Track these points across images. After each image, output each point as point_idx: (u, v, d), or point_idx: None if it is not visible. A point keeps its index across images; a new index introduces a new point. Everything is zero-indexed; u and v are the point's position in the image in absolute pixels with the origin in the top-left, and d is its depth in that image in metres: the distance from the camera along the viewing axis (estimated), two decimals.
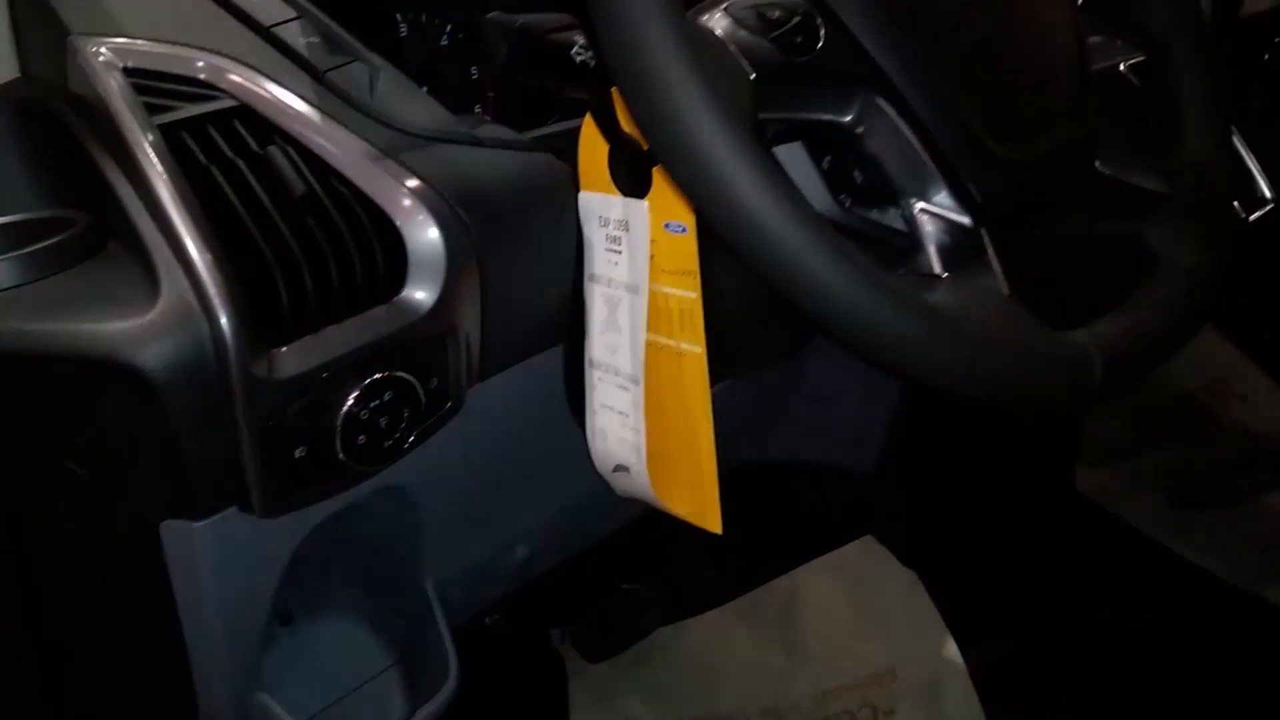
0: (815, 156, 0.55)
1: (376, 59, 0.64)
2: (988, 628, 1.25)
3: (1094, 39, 0.66)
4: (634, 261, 0.62)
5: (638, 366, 0.66)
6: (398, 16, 0.76)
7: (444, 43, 0.79)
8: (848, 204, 0.54)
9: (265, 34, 0.63)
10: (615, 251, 0.64)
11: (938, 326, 0.45)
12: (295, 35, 0.63)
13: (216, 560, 0.58)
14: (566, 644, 1.34)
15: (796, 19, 0.50)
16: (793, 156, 0.54)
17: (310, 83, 0.61)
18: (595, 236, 0.64)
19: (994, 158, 0.53)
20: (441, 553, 0.78)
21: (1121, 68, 0.80)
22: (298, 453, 0.55)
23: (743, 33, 0.49)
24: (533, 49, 0.57)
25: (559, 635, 1.36)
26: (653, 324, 0.65)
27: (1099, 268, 0.63)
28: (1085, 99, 0.58)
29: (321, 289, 0.55)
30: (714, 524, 0.70)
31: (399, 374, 0.58)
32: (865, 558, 1.28)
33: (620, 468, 0.71)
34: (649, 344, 0.66)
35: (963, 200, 0.53)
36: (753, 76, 0.48)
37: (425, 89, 0.76)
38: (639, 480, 0.71)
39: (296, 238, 0.55)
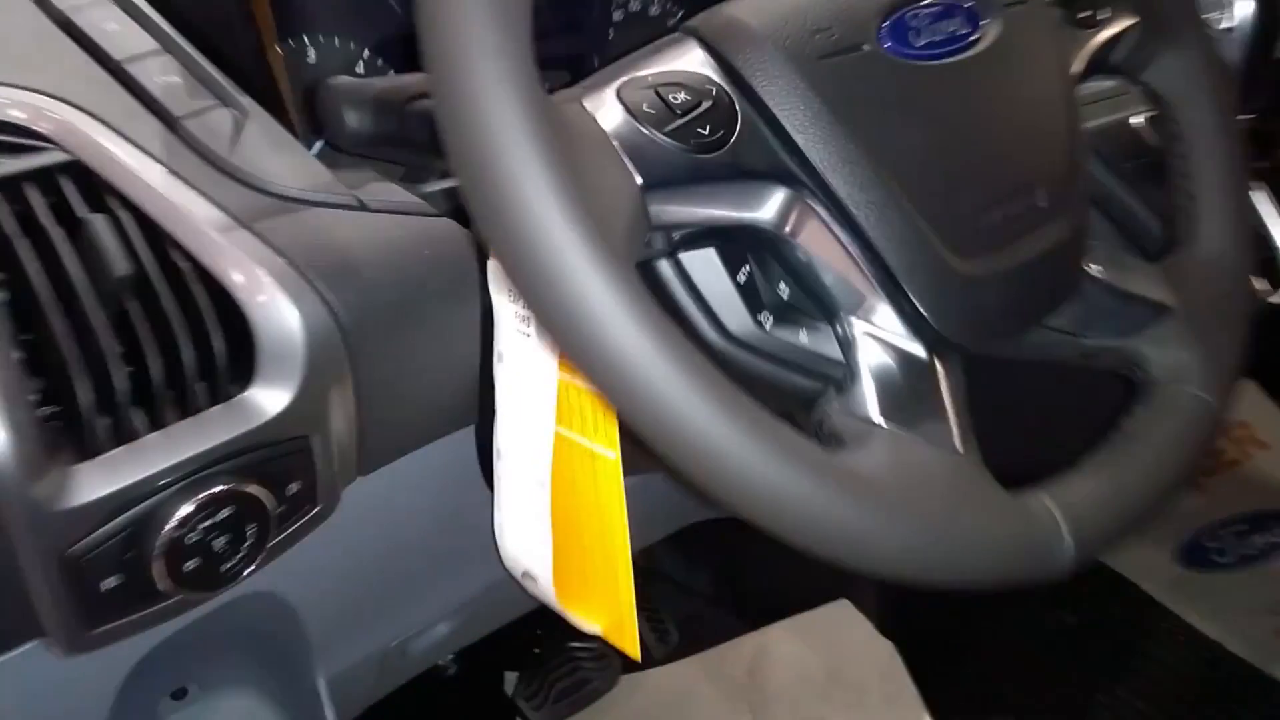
0: (730, 266, 0.45)
1: (246, 102, 0.54)
2: (969, 707, 1.16)
3: (1101, 84, 0.56)
4: (544, 343, 0.53)
5: (544, 466, 0.57)
6: (305, 40, 0.67)
7: (360, 70, 0.69)
8: (768, 324, 0.45)
9: (116, 71, 0.53)
10: (524, 333, 0.55)
11: (869, 510, 0.36)
12: (152, 73, 0.54)
13: (20, 701, 0.50)
14: (519, 690, 1.26)
15: (706, 105, 0.40)
16: (705, 266, 0.44)
17: (161, 132, 0.52)
18: (503, 310, 0.55)
19: (953, 273, 0.43)
20: (334, 649, 0.69)
21: (1135, 122, 0.69)
22: (107, 584, 0.47)
23: (635, 125, 0.39)
24: (391, 120, 0.47)
25: (515, 682, 1.28)
26: (564, 417, 0.56)
27: (1076, 397, 0.53)
28: (1074, 189, 0.48)
29: (141, 389, 0.47)
30: (631, 645, 0.61)
31: (241, 488, 0.49)
32: (840, 622, 1.18)
33: (528, 575, 0.63)
34: (559, 438, 0.57)
35: (912, 324, 0.43)
36: (640, 183, 0.38)
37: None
38: (547, 592, 0.62)
39: (112, 327, 0.46)
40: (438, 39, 0.33)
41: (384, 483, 0.60)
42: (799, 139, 0.41)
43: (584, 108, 0.39)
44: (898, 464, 0.39)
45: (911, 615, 1.16)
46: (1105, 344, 0.52)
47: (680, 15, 0.85)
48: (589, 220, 0.33)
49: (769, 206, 0.42)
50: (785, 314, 0.45)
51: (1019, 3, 0.49)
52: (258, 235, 0.50)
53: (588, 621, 0.62)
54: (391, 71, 0.70)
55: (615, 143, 0.38)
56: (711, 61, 0.42)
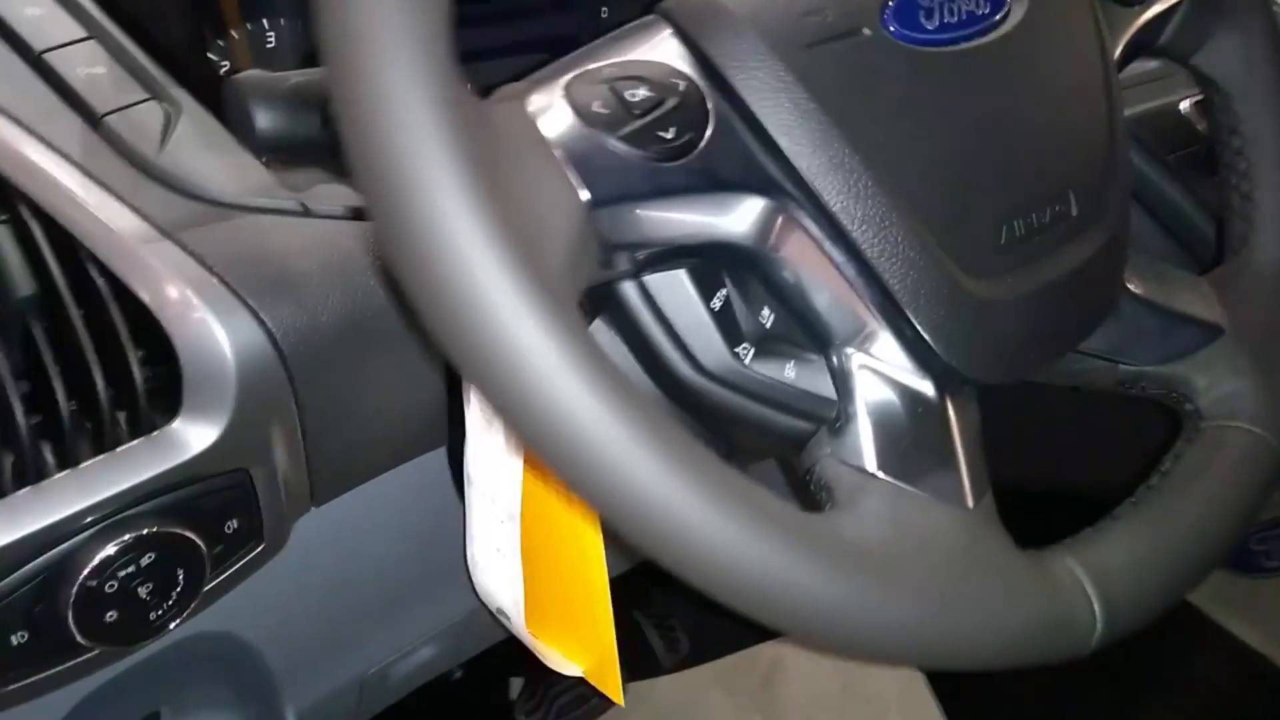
0: (704, 290, 0.39)
1: (181, 96, 0.49)
2: None
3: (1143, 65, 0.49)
4: None
5: (515, 498, 0.52)
6: (264, 24, 0.61)
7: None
8: (748, 357, 0.38)
9: (34, 62, 0.48)
10: None
11: (858, 586, 0.30)
12: (75, 64, 0.48)
13: None
14: (519, 703, 1.22)
15: (672, 102, 0.34)
16: (675, 290, 0.38)
17: (81, 131, 0.47)
18: None
19: (967, 297, 0.37)
20: (304, 681, 0.65)
21: (1184, 107, 0.62)
22: (17, 639, 0.42)
23: (583, 129, 0.33)
24: (309, 120, 0.41)
25: (520, 689, 1.24)
26: None
27: (1113, 423, 0.47)
28: (1114, 193, 0.42)
29: (49, 423, 0.42)
30: (613, 689, 0.56)
31: (168, 529, 0.44)
32: None
33: (501, 612, 0.57)
34: (529, 468, 0.51)
35: (919, 357, 0.37)
36: (587, 198, 0.32)
37: None
38: (521, 633, 0.56)
39: (17, 354, 0.41)
40: (332, 19, 0.27)
41: (347, 509, 0.55)
42: (783, 142, 0.34)
43: (524, 109, 0.33)
44: (895, 526, 0.33)
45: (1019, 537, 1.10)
46: (1147, 370, 0.45)
47: None
48: (512, 247, 0.27)
49: (748, 220, 0.35)
50: (769, 344, 0.38)
51: None
52: (184, 247, 0.44)
53: (567, 662, 0.57)
54: None
55: (558, 151, 0.32)
56: (684, 50, 0.35)
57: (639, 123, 0.33)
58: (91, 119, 0.47)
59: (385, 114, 0.27)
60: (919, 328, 0.36)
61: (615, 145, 0.32)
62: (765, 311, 0.38)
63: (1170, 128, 0.66)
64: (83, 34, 0.50)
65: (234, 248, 0.45)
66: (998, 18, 0.40)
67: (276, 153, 0.41)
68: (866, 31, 0.36)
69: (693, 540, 0.29)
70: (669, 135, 0.33)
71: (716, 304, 0.37)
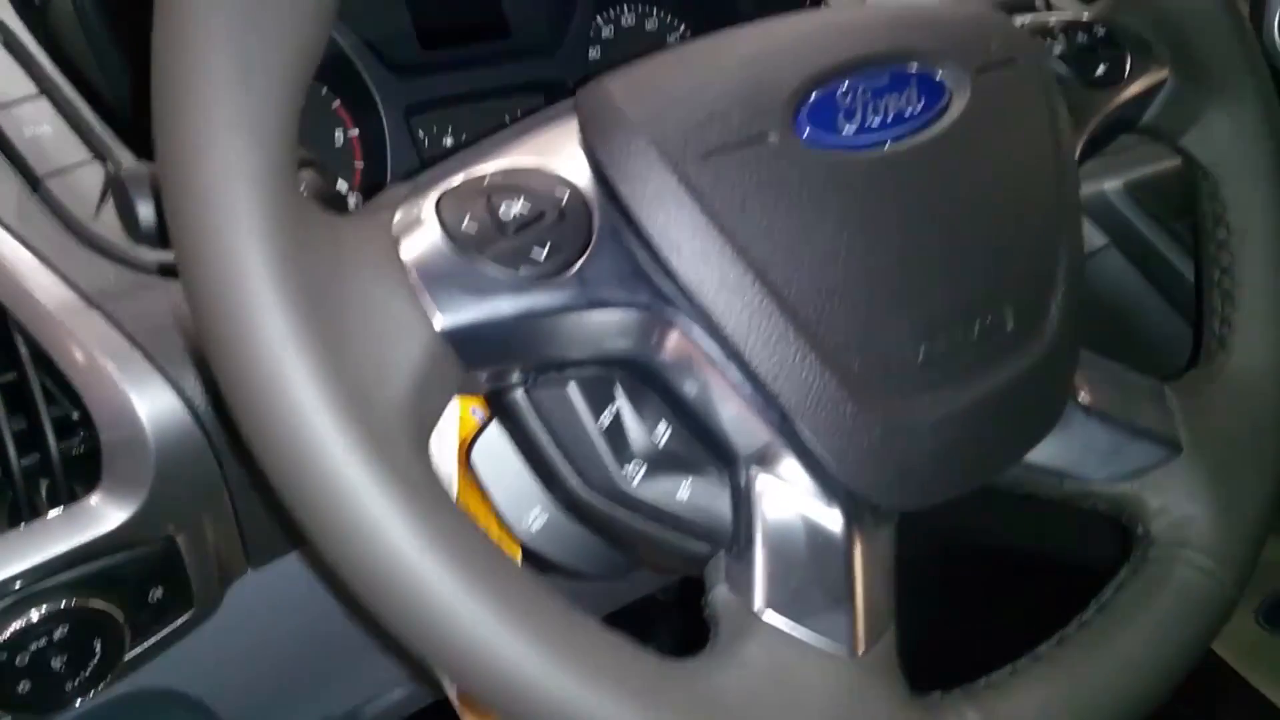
0: (593, 405, 0.36)
1: (124, 156, 0.48)
2: None
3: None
4: (443, 440, 0.46)
5: None
6: None
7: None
8: (638, 477, 0.36)
9: None
10: None
11: None
12: (21, 123, 0.48)
13: None
14: None
15: (550, 219, 0.32)
16: (563, 403, 0.36)
17: (19, 194, 0.47)
18: None
19: (877, 419, 0.34)
20: None
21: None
22: None
23: (446, 249, 0.31)
24: None
25: None
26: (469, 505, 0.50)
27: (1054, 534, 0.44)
28: (1059, 302, 0.38)
29: None
30: None
31: (83, 602, 0.44)
32: None
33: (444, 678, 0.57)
34: None
35: (824, 482, 0.35)
36: (442, 327, 0.31)
37: None
38: (456, 704, 0.56)
39: None
40: (161, 104, 0.27)
41: (291, 566, 0.55)
42: (672, 258, 0.32)
43: (387, 226, 0.31)
44: (768, 677, 0.31)
45: (930, 680, 1.06)
46: (1097, 488, 0.42)
47: (683, 30, 0.76)
48: (336, 386, 0.26)
49: (634, 336, 0.33)
50: (664, 461, 0.36)
51: (1000, 65, 0.39)
52: (108, 316, 0.44)
53: None
54: (335, 102, 0.64)
55: (415, 273, 0.30)
56: (583, 150, 0.34)
57: (509, 242, 0.31)
58: (32, 182, 0.47)
59: (204, 224, 0.26)
60: (820, 453, 0.34)
61: (481, 267, 0.30)
62: (661, 426, 0.36)
63: (1180, 192, 0.62)
64: (32, 91, 0.49)
65: (157, 316, 0.45)
66: (932, 115, 0.37)
67: (166, 246, 0.41)
68: (773, 139, 0.34)
69: (534, 698, 0.27)
70: (542, 254, 0.31)
71: (605, 420, 0.35)
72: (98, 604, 0.45)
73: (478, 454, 0.37)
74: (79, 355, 0.43)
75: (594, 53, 0.73)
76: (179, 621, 0.49)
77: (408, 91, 0.64)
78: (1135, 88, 0.45)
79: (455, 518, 0.27)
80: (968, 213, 0.37)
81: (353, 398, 0.26)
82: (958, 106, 0.38)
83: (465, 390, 0.34)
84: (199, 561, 0.48)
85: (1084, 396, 0.42)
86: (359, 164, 0.65)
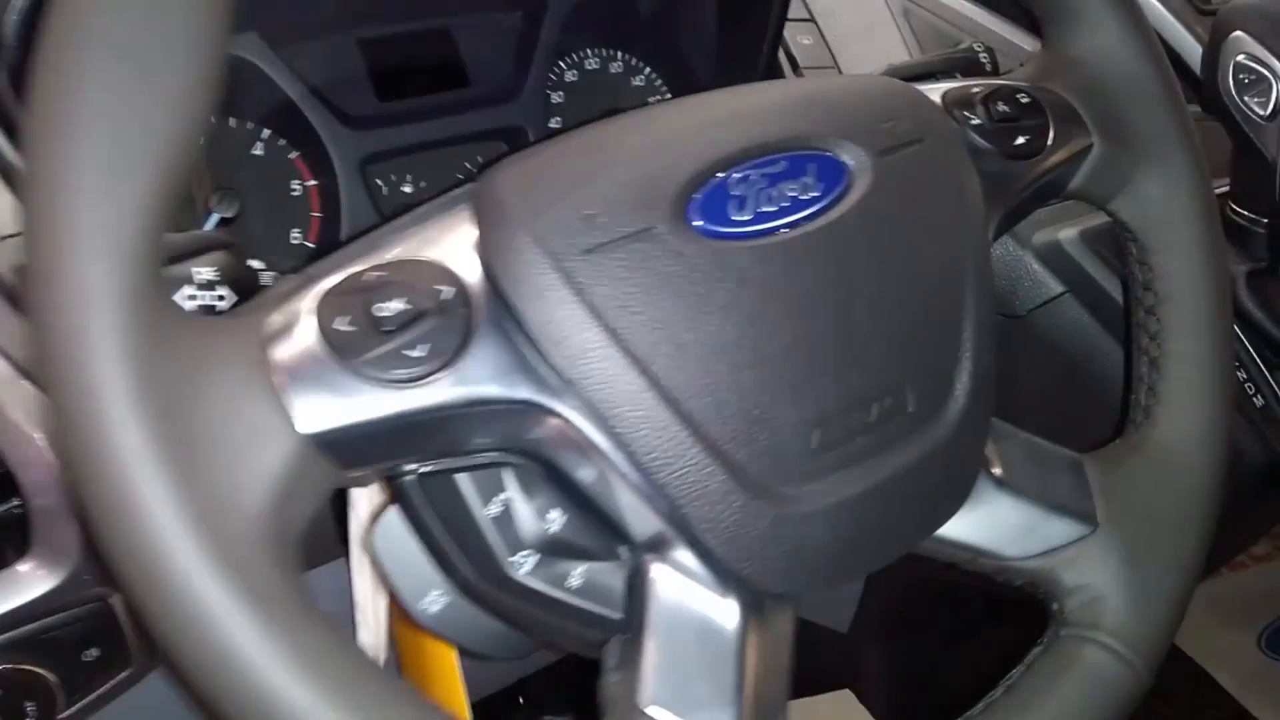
0: (482, 494, 0.36)
1: None
2: None
3: None
4: (356, 509, 0.46)
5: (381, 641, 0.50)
6: None
7: (258, 152, 0.64)
8: (527, 565, 0.36)
9: None
10: None
11: None
12: None
13: None
14: None
15: (430, 322, 0.31)
16: (452, 492, 0.36)
17: None
18: None
19: (768, 507, 0.34)
20: None
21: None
22: None
23: (319, 353, 0.30)
24: None
25: None
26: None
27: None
28: (965, 380, 0.38)
29: None
30: None
31: (14, 666, 0.45)
32: (842, 713, 1.09)
33: None
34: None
35: (717, 571, 0.35)
36: (308, 432, 0.30)
37: (218, 217, 0.63)
38: None
39: None
40: (26, 208, 0.27)
41: None
42: (553, 353, 0.32)
43: (258, 327, 0.32)
44: None
45: (920, 710, 1.06)
46: (1011, 564, 0.42)
47: (647, 72, 0.76)
48: (188, 499, 0.26)
49: (519, 431, 0.33)
50: (555, 549, 0.36)
51: (906, 145, 0.39)
52: (37, 385, 0.45)
53: None
54: (293, 154, 0.65)
55: (282, 377, 0.30)
56: (471, 243, 0.34)
57: (385, 343, 0.31)
58: None
59: (65, 356, 0.27)
60: (710, 544, 0.34)
61: (351, 370, 0.31)
62: (554, 513, 0.36)
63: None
64: None
65: None
66: (830, 200, 0.37)
67: None
68: (660, 231, 0.34)
69: None
70: (418, 354, 0.31)
71: (494, 509, 0.35)
72: (29, 667, 0.45)
73: (377, 535, 0.37)
74: (8, 424, 0.44)
75: (557, 98, 0.73)
76: (116, 679, 0.50)
77: (362, 143, 0.64)
78: (1059, 155, 0.45)
79: (311, 630, 0.27)
80: (866, 297, 0.37)
81: (205, 510, 0.27)
82: (859, 190, 0.37)
83: (351, 484, 0.34)
84: (135, 621, 0.49)
85: (997, 470, 0.42)
86: (316, 215, 0.65)
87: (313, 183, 0.65)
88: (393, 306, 0.31)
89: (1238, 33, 0.58)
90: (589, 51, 0.75)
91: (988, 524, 0.41)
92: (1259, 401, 0.61)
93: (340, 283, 0.32)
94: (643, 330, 0.33)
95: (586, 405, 0.33)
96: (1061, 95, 0.46)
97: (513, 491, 0.36)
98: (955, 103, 0.44)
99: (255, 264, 0.60)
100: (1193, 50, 0.69)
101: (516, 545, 0.35)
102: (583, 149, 0.36)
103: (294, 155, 0.65)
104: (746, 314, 0.34)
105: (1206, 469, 0.44)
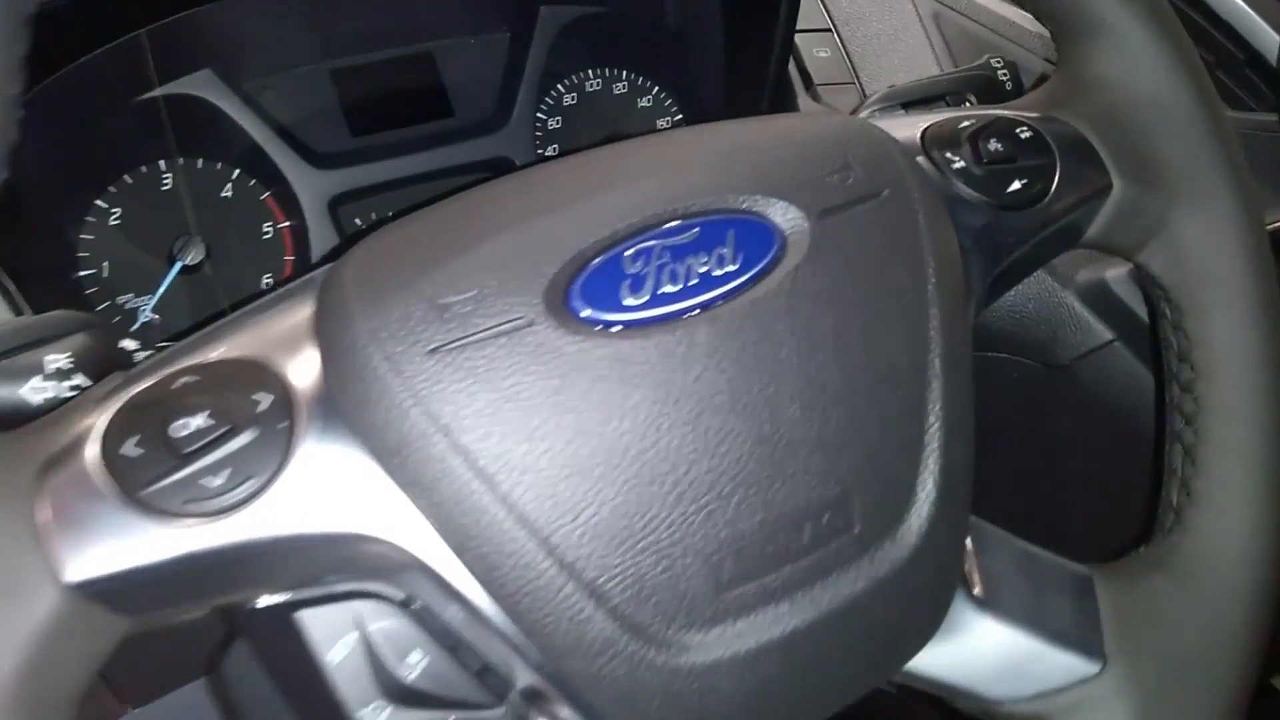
0: (324, 637, 0.30)
1: None
2: None
3: None
4: None
5: None
6: (161, 165, 0.59)
7: (227, 193, 0.60)
8: (383, 714, 0.31)
9: None
10: None
11: None
12: None
13: None
14: None
15: (240, 439, 0.26)
16: (288, 634, 0.31)
17: None
18: None
19: (665, 662, 0.28)
20: None
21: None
22: None
23: (101, 480, 0.25)
24: None
25: None
26: None
27: None
28: (938, 474, 0.31)
29: None
30: None
31: None
32: None
33: None
34: None
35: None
36: (75, 581, 0.25)
37: (180, 265, 0.60)
38: None
39: None
40: None
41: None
42: (398, 478, 0.27)
43: (36, 449, 0.26)
44: None
45: None
46: (996, 711, 0.34)
47: (655, 92, 0.70)
48: None
49: (355, 566, 0.28)
50: (413, 700, 0.30)
51: (857, 202, 0.32)
52: None
53: None
54: (265, 194, 0.61)
55: (52, 513, 0.25)
56: (310, 339, 0.29)
57: (175, 473, 0.26)
58: None
59: None
60: (592, 700, 0.28)
61: (135, 504, 0.26)
62: (414, 656, 0.31)
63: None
64: None
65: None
66: (753, 274, 0.30)
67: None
68: (532, 321, 0.28)
69: None
70: (216, 484, 0.26)
71: (340, 653, 0.30)
72: None
73: (228, 663, 0.32)
74: None
75: (554, 123, 0.68)
76: None
77: (331, 181, 0.60)
78: (1067, 201, 0.37)
79: None
80: (797, 393, 0.30)
81: None
82: (791, 260, 0.31)
83: (159, 625, 0.30)
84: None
85: (979, 590, 0.34)
86: (289, 259, 0.62)
87: (285, 224, 0.62)
88: (192, 423, 0.26)
89: None
90: (589, 73, 0.69)
91: (968, 658, 0.34)
92: None
93: (140, 392, 0.27)
94: (501, 444, 0.27)
95: (434, 537, 0.27)
96: (1073, 126, 0.38)
97: (364, 631, 0.30)
98: (937, 141, 0.37)
99: (129, 344, 0.56)
100: (1272, 46, 0.59)
101: (367, 696, 0.30)
102: (450, 221, 0.30)
103: (265, 195, 0.61)
104: (639, 420, 0.28)
105: (1250, 594, 0.35)
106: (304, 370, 0.28)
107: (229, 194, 0.61)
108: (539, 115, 0.67)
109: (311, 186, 0.60)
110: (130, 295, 0.59)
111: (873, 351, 0.31)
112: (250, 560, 0.27)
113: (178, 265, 0.58)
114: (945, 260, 0.33)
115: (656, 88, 0.71)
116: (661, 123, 0.71)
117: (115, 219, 0.58)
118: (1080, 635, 0.34)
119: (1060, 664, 0.34)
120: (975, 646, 0.34)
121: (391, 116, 0.63)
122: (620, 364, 0.29)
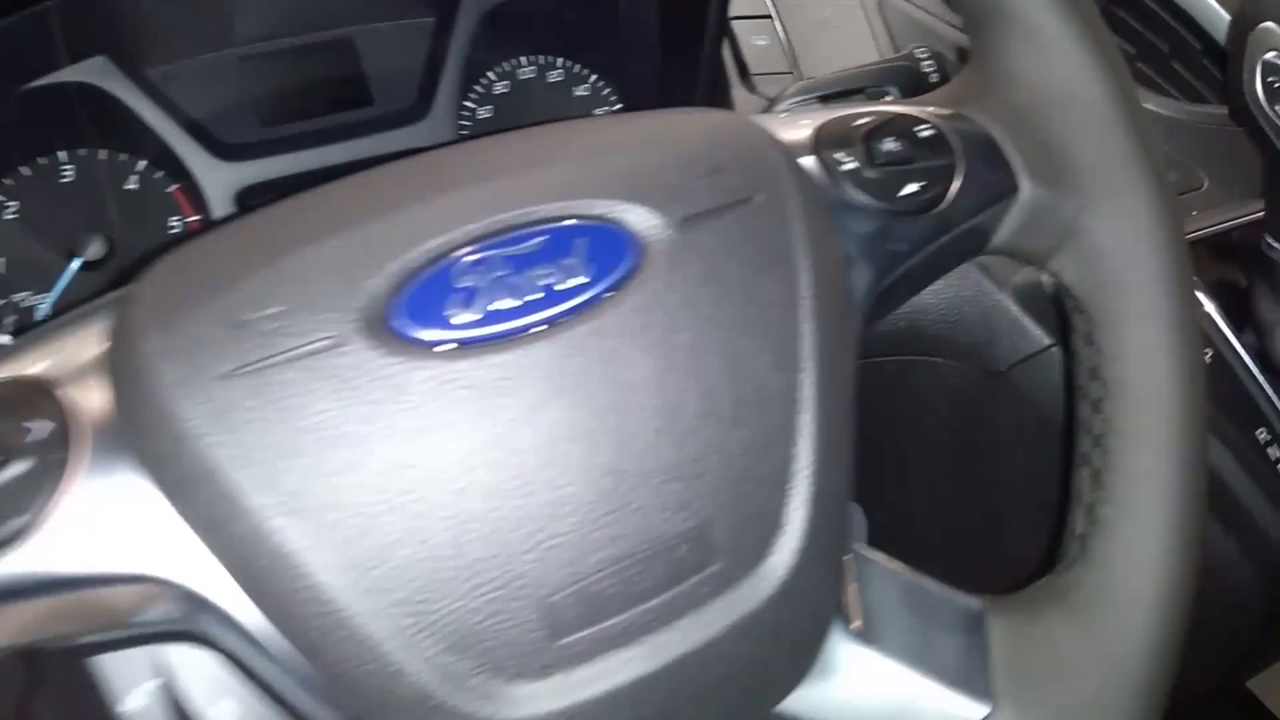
0: (120, 680, 0.28)
1: None
2: None
3: None
4: None
5: None
6: (61, 156, 0.56)
7: (132, 186, 0.58)
8: None
9: None
10: None
11: None
12: None
13: None
14: None
15: (19, 462, 0.23)
16: (79, 680, 0.28)
17: None
18: None
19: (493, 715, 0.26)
20: None
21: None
22: None
23: None
24: None
25: None
26: None
27: None
28: (810, 500, 0.29)
29: None
30: None
31: None
32: None
33: None
34: None
35: None
36: None
37: (80, 262, 0.57)
38: None
39: None
40: None
41: None
42: (187, 515, 0.25)
43: None
44: None
45: None
46: None
47: (592, 80, 0.68)
48: None
49: (145, 610, 0.25)
50: None
51: (726, 208, 0.29)
52: None
53: None
54: (172, 187, 0.58)
55: None
56: (97, 361, 0.26)
57: None
58: None
59: None
60: None
61: None
62: (224, 706, 0.28)
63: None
64: None
65: None
66: (604, 287, 0.28)
67: None
68: (345, 340, 0.25)
69: None
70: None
71: (134, 703, 0.27)
72: None
73: (37, 711, 0.30)
74: None
75: (485, 112, 0.65)
76: None
77: (239, 174, 0.58)
78: (967, 205, 0.34)
79: None
80: (647, 418, 0.27)
81: None
82: (648, 272, 0.28)
83: None
84: None
85: (857, 623, 0.32)
86: None
87: (194, 218, 0.59)
88: None
89: (1268, 24, 0.46)
90: (522, 60, 0.66)
91: (845, 697, 0.31)
92: None
93: None
94: (305, 478, 0.25)
95: (228, 580, 0.25)
96: (980, 125, 0.35)
97: (177, 674, 0.28)
98: (829, 140, 0.34)
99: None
100: (1224, 28, 0.56)
101: None
102: (264, 230, 0.28)
103: (173, 188, 0.59)
104: (464, 449, 0.26)
105: (1154, 639, 0.32)
106: (94, 396, 0.26)
107: (134, 186, 0.58)
108: (467, 104, 0.65)
109: (218, 179, 0.57)
110: (28, 293, 0.56)
111: (736, 372, 0.29)
112: (26, 601, 0.24)
113: (77, 261, 0.56)
114: (823, 271, 0.30)
115: (594, 75, 0.68)
116: (599, 111, 0.68)
117: (11, 213, 0.55)
118: (967, 674, 0.32)
119: (944, 705, 0.31)
120: (853, 685, 0.31)
121: (305, 106, 0.60)
122: (444, 388, 0.26)
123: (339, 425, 0.25)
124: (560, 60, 0.67)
